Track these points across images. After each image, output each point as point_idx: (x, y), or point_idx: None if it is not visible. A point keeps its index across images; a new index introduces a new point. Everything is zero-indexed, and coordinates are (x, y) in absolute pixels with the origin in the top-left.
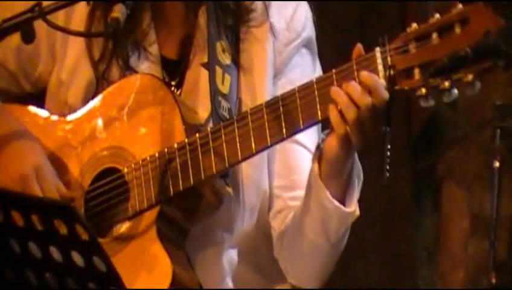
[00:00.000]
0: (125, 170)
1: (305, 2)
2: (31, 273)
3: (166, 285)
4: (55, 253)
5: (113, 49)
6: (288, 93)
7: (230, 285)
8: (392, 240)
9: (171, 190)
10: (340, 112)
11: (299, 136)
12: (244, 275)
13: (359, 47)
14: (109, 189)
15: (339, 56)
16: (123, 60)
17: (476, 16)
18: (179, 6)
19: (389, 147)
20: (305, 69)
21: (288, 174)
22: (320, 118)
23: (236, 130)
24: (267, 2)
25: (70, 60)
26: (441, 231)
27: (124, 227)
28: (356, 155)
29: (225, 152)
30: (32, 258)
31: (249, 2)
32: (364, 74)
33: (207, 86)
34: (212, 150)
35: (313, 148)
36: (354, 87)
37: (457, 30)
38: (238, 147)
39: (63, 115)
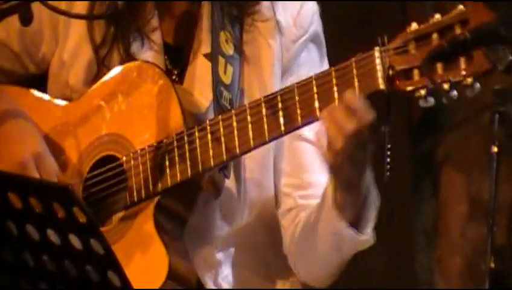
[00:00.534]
0: (124, 158)
1: None
2: (29, 256)
3: (163, 276)
4: (52, 235)
5: (115, 35)
6: (287, 89)
7: (230, 277)
8: (391, 225)
9: (169, 181)
10: (329, 144)
11: (308, 134)
12: (246, 267)
13: None
14: (107, 177)
15: (338, 55)
16: (124, 47)
17: (476, 17)
18: None
19: (389, 146)
20: (313, 65)
21: (298, 173)
22: (318, 115)
23: (234, 123)
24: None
25: (72, 41)
26: (439, 216)
27: (121, 216)
28: (372, 182)
29: (223, 145)
30: (30, 240)
31: None
32: (346, 95)
33: (209, 76)
34: (210, 142)
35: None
36: (338, 112)
37: (458, 31)
38: (236, 141)
39: (62, 99)
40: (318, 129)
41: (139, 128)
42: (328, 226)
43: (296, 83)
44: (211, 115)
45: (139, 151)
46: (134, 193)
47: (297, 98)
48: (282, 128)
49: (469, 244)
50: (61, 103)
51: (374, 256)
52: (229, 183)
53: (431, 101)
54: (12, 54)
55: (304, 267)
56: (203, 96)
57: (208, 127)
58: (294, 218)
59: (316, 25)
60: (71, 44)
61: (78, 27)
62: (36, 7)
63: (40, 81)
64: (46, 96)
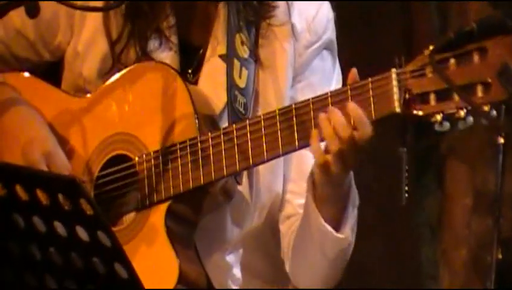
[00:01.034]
0: (137, 159)
1: (328, 2)
2: (35, 248)
3: (173, 280)
4: (59, 228)
5: (132, 32)
6: (302, 104)
7: (238, 276)
8: (395, 218)
9: (181, 187)
10: (323, 140)
11: None
12: (253, 266)
13: (354, 72)
14: (119, 177)
15: (341, 56)
16: (141, 45)
17: (495, 48)
18: None
19: (407, 168)
20: (326, 73)
21: (301, 181)
22: None
23: (248, 134)
24: (289, 2)
25: (87, 32)
26: (444, 209)
27: (132, 218)
28: (353, 181)
29: (236, 155)
30: (37, 232)
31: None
32: (351, 105)
33: (224, 78)
34: (223, 152)
35: None
36: (338, 118)
37: (476, 59)
38: (250, 152)
39: (76, 90)
40: None
41: (152, 129)
42: (311, 223)
43: (312, 98)
44: (225, 117)
45: (152, 153)
46: (146, 196)
47: (312, 113)
48: (297, 143)
49: (474, 237)
50: (72, 96)
51: (379, 249)
52: (241, 187)
53: (446, 126)
54: (27, 42)
55: (298, 274)
56: (217, 98)
57: (222, 136)
58: (291, 226)
59: (330, 33)
60: (86, 35)
61: (94, 19)
62: None
63: (55, 69)
64: (56, 88)
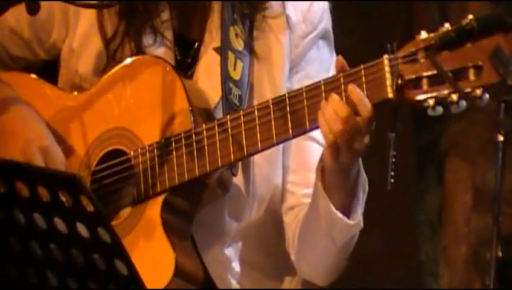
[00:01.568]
0: (132, 153)
1: None
2: (36, 245)
3: (170, 273)
4: (60, 224)
5: (126, 29)
6: (296, 92)
7: (237, 269)
8: (395, 215)
9: (177, 179)
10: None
11: (316, 134)
12: (253, 261)
13: (340, 59)
14: (115, 172)
15: (343, 56)
16: (136, 42)
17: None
18: None
19: (394, 153)
20: (323, 63)
21: (303, 171)
22: None
23: (243, 124)
24: None
25: (82, 29)
26: (444, 206)
27: (128, 212)
28: (361, 167)
29: (231, 146)
30: (37, 229)
31: None
32: (350, 87)
33: (219, 71)
34: (218, 143)
35: None
36: (335, 100)
37: (468, 43)
38: (244, 142)
39: (71, 87)
40: None
41: (147, 124)
42: (320, 211)
43: (305, 87)
44: (220, 110)
45: (147, 147)
46: (142, 190)
47: (305, 102)
48: (291, 132)
49: (474, 234)
50: (69, 92)
51: (379, 246)
52: (237, 180)
53: (439, 110)
54: (22, 41)
55: (305, 264)
56: (212, 91)
57: (216, 127)
58: (296, 216)
59: (325, 23)
60: (81, 32)
61: (88, 15)
62: None
63: (51, 66)
64: (52, 85)
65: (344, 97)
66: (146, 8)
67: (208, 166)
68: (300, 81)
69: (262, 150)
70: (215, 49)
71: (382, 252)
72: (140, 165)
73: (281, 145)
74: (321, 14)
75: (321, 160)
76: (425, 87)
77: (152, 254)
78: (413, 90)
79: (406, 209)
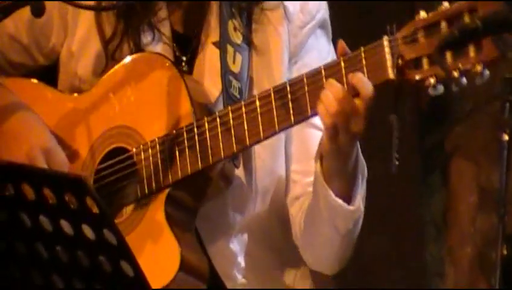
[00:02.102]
0: (134, 150)
1: None
2: (42, 247)
3: (175, 268)
4: (65, 226)
5: (125, 28)
6: (296, 80)
7: (243, 265)
8: (400, 216)
9: (180, 173)
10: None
11: (318, 120)
12: (258, 255)
13: (342, 44)
14: (118, 169)
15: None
16: (134, 40)
17: (484, 5)
18: None
19: (397, 135)
20: (321, 51)
21: (307, 159)
22: None
23: (244, 114)
24: None
25: (81, 31)
26: (450, 206)
27: (132, 208)
28: (360, 152)
29: (233, 137)
30: (43, 231)
31: None
32: (350, 74)
33: (218, 65)
34: (220, 134)
35: None
36: (333, 85)
37: (466, 19)
38: (246, 132)
39: (71, 90)
40: None
41: (149, 121)
42: (320, 199)
43: (305, 73)
44: (221, 105)
45: (149, 143)
46: (145, 186)
47: (306, 88)
48: (292, 118)
49: (479, 234)
50: (69, 94)
51: (384, 247)
52: (239, 172)
53: (440, 89)
54: (21, 47)
55: (311, 254)
56: (213, 86)
57: (218, 119)
58: (301, 206)
59: (323, 12)
60: (80, 34)
61: (87, 18)
62: None
63: (51, 72)
64: (53, 88)
65: (345, 82)
66: (143, 6)
67: (210, 158)
68: (299, 71)
69: (265, 138)
70: (214, 44)
71: (387, 253)
72: (143, 162)
73: (283, 136)
74: (319, 4)
75: (320, 144)
76: (425, 66)
77: (157, 249)
78: (414, 70)
79: (411, 210)
